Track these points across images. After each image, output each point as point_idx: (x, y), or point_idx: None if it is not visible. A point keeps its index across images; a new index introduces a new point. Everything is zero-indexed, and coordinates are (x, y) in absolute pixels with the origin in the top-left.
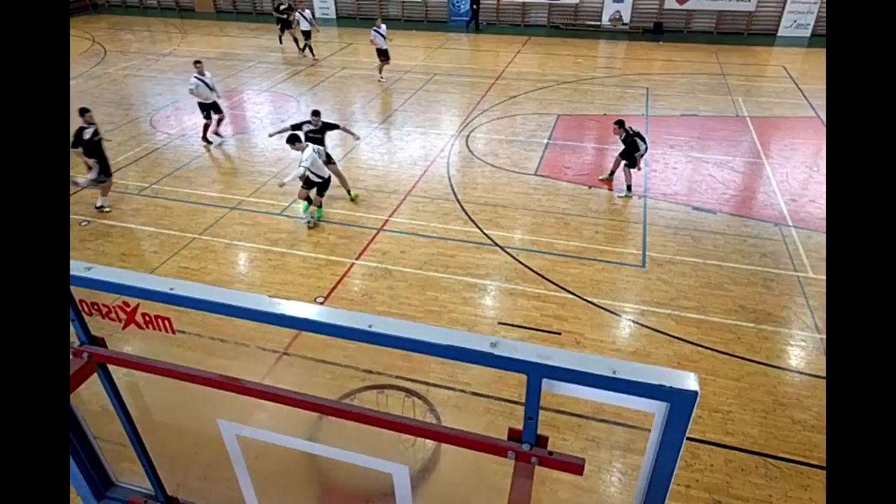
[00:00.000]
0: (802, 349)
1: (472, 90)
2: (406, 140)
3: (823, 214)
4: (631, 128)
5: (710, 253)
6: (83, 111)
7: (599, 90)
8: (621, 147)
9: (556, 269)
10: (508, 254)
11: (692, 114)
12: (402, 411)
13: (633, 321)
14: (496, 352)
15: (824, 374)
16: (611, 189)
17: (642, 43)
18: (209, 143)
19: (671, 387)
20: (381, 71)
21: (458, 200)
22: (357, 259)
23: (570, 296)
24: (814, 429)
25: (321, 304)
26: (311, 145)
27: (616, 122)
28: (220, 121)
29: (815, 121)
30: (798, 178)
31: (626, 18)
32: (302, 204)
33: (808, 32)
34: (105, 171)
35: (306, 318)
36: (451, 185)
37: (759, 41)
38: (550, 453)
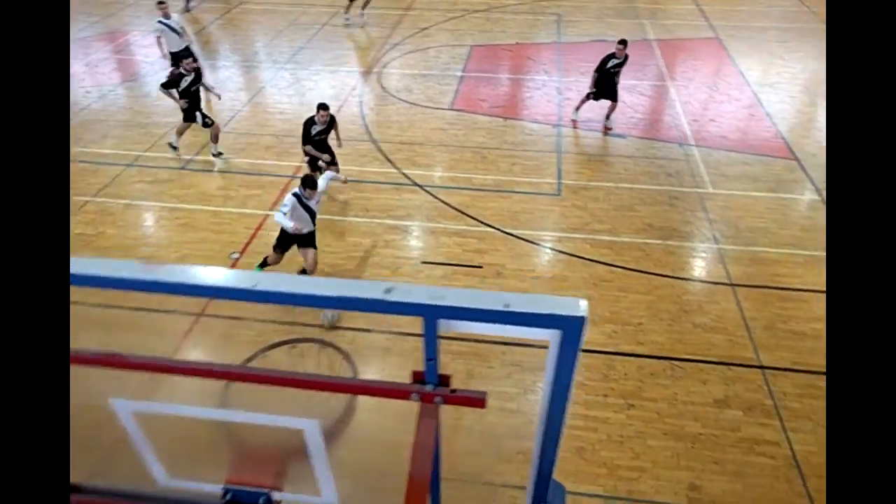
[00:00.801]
0: (703, 259)
1: (382, 24)
2: (315, 80)
3: (721, 133)
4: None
5: (621, 176)
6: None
7: (511, 18)
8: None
9: (475, 205)
10: (428, 192)
11: (601, 39)
12: (318, 363)
13: (551, 248)
14: (390, 297)
15: (726, 281)
16: (576, 128)
17: None
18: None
19: (561, 314)
20: (348, 10)
21: (373, 141)
22: (272, 210)
23: (490, 229)
24: (711, 330)
25: (237, 259)
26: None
27: (620, 42)
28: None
29: (714, 41)
30: (699, 98)
31: None
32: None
33: None
34: (186, 117)
35: (181, 283)
36: (366, 125)
37: None
38: (453, 391)
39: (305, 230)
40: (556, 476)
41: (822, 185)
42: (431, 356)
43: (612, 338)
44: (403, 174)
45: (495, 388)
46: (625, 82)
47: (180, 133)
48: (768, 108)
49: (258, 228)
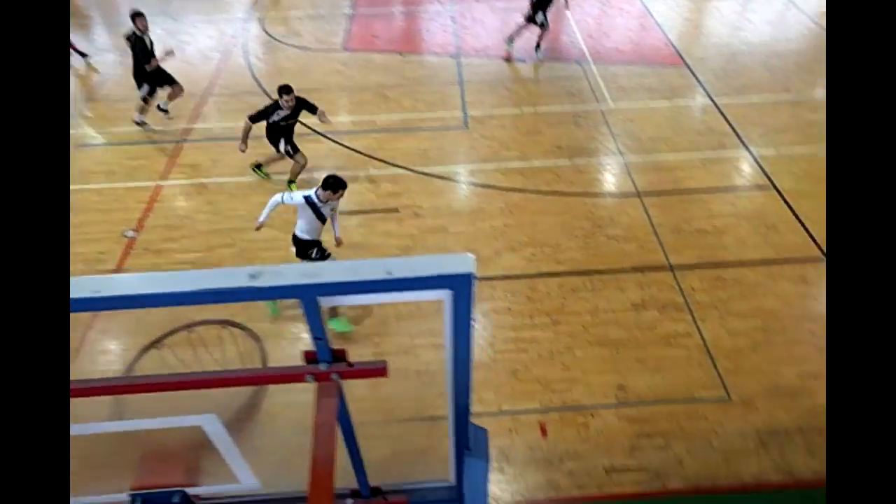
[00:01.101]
0: (611, 173)
1: None
2: (191, 32)
3: (615, 46)
4: None
5: (525, 100)
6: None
7: None
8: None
9: (383, 147)
10: (332, 140)
11: None
12: (222, 346)
13: (465, 182)
14: (259, 283)
15: (633, 191)
16: (509, 60)
17: None
18: None
19: (448, 274)
20: None
21: (265, 93)
22: (164, 180)
23: (400, 170)
24: (624, 240)
25: (133, 237)
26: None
27: None
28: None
29: None
30: (593, 14)
31: None
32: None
33: None
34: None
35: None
36: (255, 76)
37: None
38: (350, 365)
39: (310, 237)
40: (494, 398)
41: (711, 88)
42: (319, 335)
43: (531, 261)
44: (303, 124)
45: (427, 326)
46: (519, 5)
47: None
48: (657, 18)
49: (152, 202)
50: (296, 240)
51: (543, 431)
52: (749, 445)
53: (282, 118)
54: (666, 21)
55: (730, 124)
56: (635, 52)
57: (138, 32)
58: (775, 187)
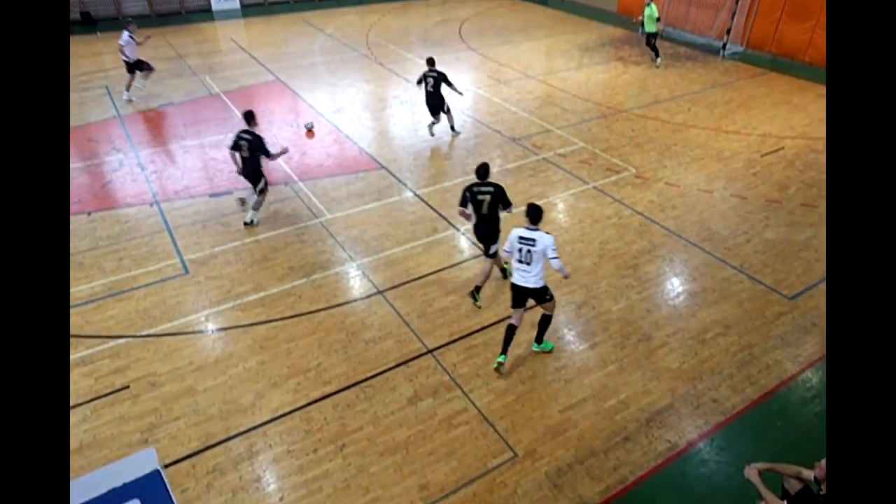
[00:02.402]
0: (349, 280)
1: None
2: None
3: (317, 163)
4: None
5: (244, 231)
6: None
7: None
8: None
9: (90, 322)
10: None
11: (168, 103)
12: None
13: (202, 331)
14: None
15: (374, 291)
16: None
17: (81, 37)
18: None
19: (123, 484)
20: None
21: None
22: None
23: (120, 340)
24: (381, 339)
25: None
26: None
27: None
28: None
29: (277, 83)
30: (286, 137)
31: None
32: None
33: (237, 5)
34: None
35: None
36: None
37: (200, 18)
38: None
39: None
40: None
41: (411, 183)
42: None
43: (298, 392)
44: None
45: None
46: (210, 140)
47: None
48: (346, 132)
49: None
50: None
51: None
52: (546, 493)
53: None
54: (354, 133)
55: (435, 210)
56: (337, 164)
57: None
58: (486, 254)
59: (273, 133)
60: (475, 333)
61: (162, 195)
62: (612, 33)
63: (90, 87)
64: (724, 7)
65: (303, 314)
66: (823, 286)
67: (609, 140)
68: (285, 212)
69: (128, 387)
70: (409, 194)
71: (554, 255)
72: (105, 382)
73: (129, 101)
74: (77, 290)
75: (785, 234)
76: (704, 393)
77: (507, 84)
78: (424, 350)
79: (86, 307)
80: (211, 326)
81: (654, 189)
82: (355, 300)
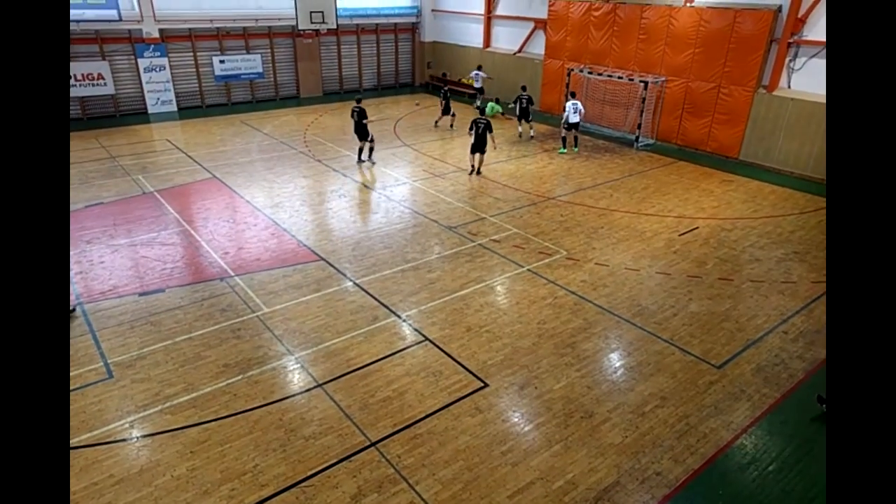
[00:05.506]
0: (287, 374)
1: None
2: None
3: (254, 257)
4: None
5: (176, 330)
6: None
7: None
8: None
9: None
10: None
11: (97, 202)
12: None
13: (125, 439)
14: None
15: (314, 384)
16: None
17: None
18: None
19: None
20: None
21: None
22: None
23: None
24: (321, 435)
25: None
26: None
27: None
28: None
29: (213, 181)
30: (222, 232)
31: None
32: None
33: (174, 108)
34: None
35: None
36: None
37: (135, 121)
38: None
39: None
40: None
41: (350, 273)
42: None
43: (233, 499)
44: None
45: None
46: (141, 238)
47: None
48: (283, 225)
49: None
50: None
51: None
52: None
53: None
54: (292, 227)
55: (375, 298)
56: (274, 257)
57: None
58: (428, 339)
59: (209, 229)
60: (419, 422)
61: (86, 296)
62: (538, 128)
63: None
64: (633, 106)
65: (238, 413)
66: (747, 354)
67: (540, 225)
68: (220, 307)
69: None
70: (349, 284)
71: None
72: None
73: None
74: None
75: (707, 306)
76: (648, 466)
77: (441, 177)
78: (367, 443)
79: None
80: (135, 433)
81: (585, 269)
82: (294, 395)
